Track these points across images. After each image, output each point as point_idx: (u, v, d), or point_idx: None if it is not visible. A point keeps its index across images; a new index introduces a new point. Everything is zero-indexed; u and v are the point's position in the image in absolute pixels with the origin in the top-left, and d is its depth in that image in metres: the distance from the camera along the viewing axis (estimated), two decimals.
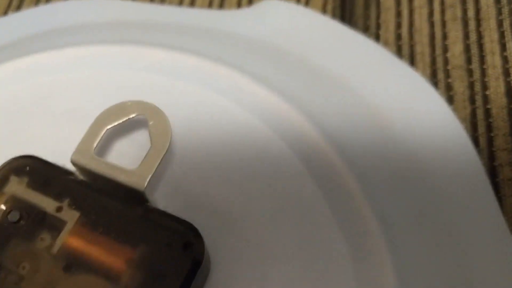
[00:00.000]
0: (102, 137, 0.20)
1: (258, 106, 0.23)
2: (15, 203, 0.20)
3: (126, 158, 0.20)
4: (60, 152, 0.21)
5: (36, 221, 0.20)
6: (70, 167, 0.21)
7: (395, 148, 0.22)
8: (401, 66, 0.24)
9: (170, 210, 0.20)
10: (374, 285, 0.20)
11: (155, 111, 0.20)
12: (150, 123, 0.20)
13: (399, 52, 0.26)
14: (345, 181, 0.21)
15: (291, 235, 0.21)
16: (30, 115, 0.23)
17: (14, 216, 0.20)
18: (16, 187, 0.20)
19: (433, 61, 0.26)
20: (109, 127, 0.20)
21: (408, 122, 0.23)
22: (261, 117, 0.23)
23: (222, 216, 0.22)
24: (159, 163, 0.20)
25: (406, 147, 0.22)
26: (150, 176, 0.19)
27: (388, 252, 0.20)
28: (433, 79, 0.25)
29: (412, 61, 0.26)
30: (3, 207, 0.20)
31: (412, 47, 0.26)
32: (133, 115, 0.20)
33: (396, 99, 0.23)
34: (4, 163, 0.21)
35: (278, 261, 0.21)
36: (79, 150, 0.20)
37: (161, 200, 0.21)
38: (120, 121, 0.20)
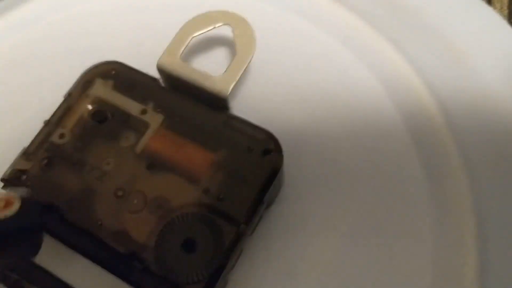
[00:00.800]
0: (188, 44, 0.20)
1: (336, 26, 0.22)
2: (101, 104, 0.20)
3: (211, 66, 0.20)
4: (144, 61, 0.21)
5: (121, 122, 0.20)
6: (154, 75, 0.21)
7: (479, 91, 0.22)
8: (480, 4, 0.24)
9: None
10: (450, 206, 0.20)
11: (241, 21, 0.20)
12: (236, 32, 0.20)
13: None
14: (426, 106, 0.21)
15: (370, 160, 0.21)
16: (114, 27, 0.24)
17: (99, 116, 0.20)
18: (102, 89, 0.21)
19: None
20: (195, 34, 0.20)
21: (490, 64, 0.22)
22: (344, 42, 0.22)
23: (299, 134, 0.22)
24: (243, 71, 0.20)
25: (489, 90, 0.22)
26: (234, 83, 0.20)
27: (469, 193, 0.20)
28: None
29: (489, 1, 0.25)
30: (89, 107, 0.20)
31: None
32: (219, 24, 0.20)
33: (479, 41, 0.23)
34: (90, 67, 0.21)
35: (352, 181, 0.21)
36: (165, 56, 0.20)
37: (241, 112, 0.21)
38: (206, 29, 0.20)
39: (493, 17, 0.23)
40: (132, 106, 0.20)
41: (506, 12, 0.26)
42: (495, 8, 0.25)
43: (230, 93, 0.20)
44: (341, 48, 0.23)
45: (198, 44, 0.22)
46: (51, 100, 0.21)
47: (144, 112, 0.20)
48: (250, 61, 0.20)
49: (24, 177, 0.19)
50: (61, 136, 0.20)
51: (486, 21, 0.23)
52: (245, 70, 0.20)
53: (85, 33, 0.24)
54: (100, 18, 0.25)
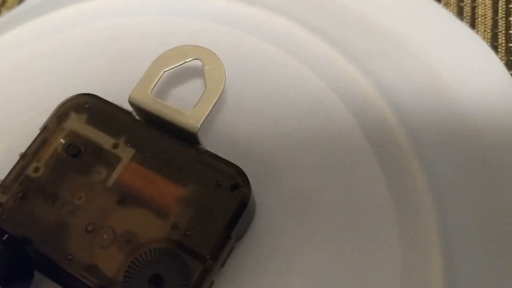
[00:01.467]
0: (159, 79, 0.21)
1: (312, 57, 0.23)
2: (74, 138, 0.21)
3: (181, 101, 0.21)
4: (118, 92, 0.21)
5: (93, 156, 0.20)
6: (128, 107, 0.21)
7: (449, 108, 0.22)
8: (462, 28, 0.24)
9: (220, 154, 0.20)
10: (419, 242, 0.20)
11: (211, 56, 0.21)
12: (206, 67, 0.20)
13: (460, 14, 0.26)
14: (396, 136, 0.21)
15: (338, 188, 0.21)
16: (90, 57, 0.24)
17: (72, 150, 0.21)
18: (76, 123, 0.21)
19: (495, 24, 0.25)
20: (166, 69, 0.21)
21: (464, 84, 0.22)
22: (314, 69, 0.23)
23: (269, 165, 0.22)
24: (213, 107, 0.20)
25: (461, 108, 0.22)
26: (203, 118, 0.20)
27: (434, 210, 0.20)
28: (494, 43, 0.25)
29: (473, 23, 0.25)
30: (62, 141, 0.21)
31: (474, 8, 0.26)
32: (190, 59, 0.21)
33: (454, 60, 0.23)
34: (65, 100, 0.22)
35: (323, 212, 0.21)
36: (137, 90, 0.21)
37: (211, 145, 0.21)
38: (177, 64, 0.21)
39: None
40: (104, 140, 0.21)
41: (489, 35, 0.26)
42: (478, 31, 0.25)
43: (200, 128, 0.20)
44: (314, 78, 0.23)
45: (170, 77, 0.23)
46: (29, 132, 0.21)
47: (116, 146, 0.20)
48: (219, 96, 0.20)
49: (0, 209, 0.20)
50: (36, 169, 0.20)
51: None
52: (216, 104, 0.20)
53: (63, 64, 0.25)
54: (78, 48, 0.25)
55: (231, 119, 0.22)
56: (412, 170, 0.21)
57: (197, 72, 0.23)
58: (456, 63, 0.23)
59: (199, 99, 0.20)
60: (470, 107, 0.22)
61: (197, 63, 0.21)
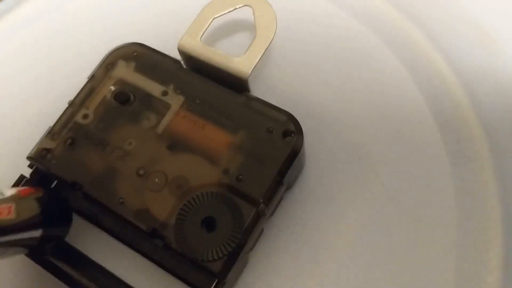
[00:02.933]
0: (209, 26, 0.20)
1: (362, 10, 0.22)
2: (123, 85, 0.21)
3: (231, 48, 0.20)
4: (167, 42, 0.21)
5: (142, 103, 0.20)
6: (176, 57, 0.21)
7: (503, 64, 0.21)
8: None
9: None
10: (475, 192, 0.19)
11: (261, 2, 0.20)
12: (256, 13, 0.20)
13: None
14: (450, 86, 0.21)
15: (390, 139, 0.21)
16: (138, 8, 0.24)
17: (122, 97, 0.20)
18: (124, 71, 0.21)
19: None
20: (216, 16, 0.20)
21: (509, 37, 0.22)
22: (364, 21, 0.22)
23: (319, 116, 0.22)
24: (263, 53, 0.20)
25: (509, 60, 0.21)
26: (254, 64, 0.20)
27: (490, 160, 0.20)
28: None
29: None
30: (111, 88, 0.21)
31: None
32: (240, 5, 0.20)
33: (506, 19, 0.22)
34: (113, 49, 0.22)
35: (374, 165, 0.21)
36: (186, 37, 0.20)
37: (261, 95, 0.21)
38: (227, 10, 0.20)
39: None
40: (153, 88, 0.20)
41: None
42: None
43: (250, 74, 0.20)
44: (365, 30, 0.22)
45: (219, 26, 0.22)
46: (76, 81, 0.21)
47: (165, 93, 0.20)
48: (271, 43, 0.20)
49: (49, 155, 0.20)
50: (85, 116, 0.20)
51: None
52: (266, 51, 0.20)
53: (108, 16, 0.25)
54: (124, 0, 0.25)
55: (280, 70, 0.22)
56: (467, 120, 0.20)
57: (248, 22, 0.22)
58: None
59: (249, 45, 0.20)
60: None
61: (248, 13, 0.20)
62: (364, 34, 0.22)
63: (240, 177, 0.18)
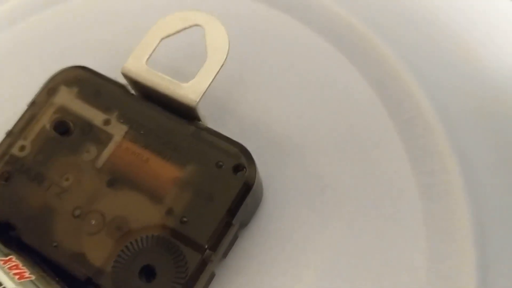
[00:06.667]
0: (156, 47, 0.19)
1: (326, 24, 0.20)
2: (64, 113, 0.19)
3: (180, 75, 0.19)
4: (113, 65, 0.19)
5: (83, 133, 0.19)
6: (122, 81, 0.19)
7: (480, 83, 0.19)
8: None
9: (223, 133, 0.18)
10: (448, 231, 0.18)
11: (213, 22, 0.18)
12: (207, 34, 0.18)
13: None
14: (422, 111, 0.19)
15: (355, 170, 0.19)
16: (84, 28, 0.22)
17: (61, 127, 0.19)
18: (66, 97, 0.19)
19: None
20: (164, 36, 0.19)
21: (494, 55, 0.20)
22: (329, 38, 0.20)
23: (278, 145, 0.20)
24: (214, 78, 0.18)
25: (494, 83, 0.19)
26: (203, 91, 0.18)
27: (465, 195, 0.18)
28: None
29: None
30: (51, 117, 0.19)
31: None
32: (190, 25, 0.19)
33: (482, 30, 0.20)
34: (55, 73, 0.20)
35: (338, 198, 0.19)
36: (131, 61, 0.19)
37: (213, 123, 0.19)
38: (176, 30, 0.19)
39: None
40: (95, 116, 0.19)
41: None
42: None
43: (199, 101, 0.18)
44: (330, 48, 0.20)
45: (168, 48, 0.20)
46: (19, 109, 0.20)
47: (107, 122, 0.18)
48: (222, 66, 0.18)
49: None
50: (22, 148, 0.19)
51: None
52: (217, 75, 0.18)
53: (54, 37, 0.23)
54: (70, 20, 0.23)
55: (236, 93, 0.20)
56: (441, 150, 0.18)
57: (199, 43, 0.20)
58: (484, 34, 0.20)
59: (200, 69, 0.18)
60: (503, 82, 0.20)
61: (199, 31, 0.18)
62: (331, 53, 0.20)
63: (184, 219, 0.17)
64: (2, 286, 0.15)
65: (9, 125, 0.19)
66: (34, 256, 0.17)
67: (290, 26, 0.20)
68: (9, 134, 0.19)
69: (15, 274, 0.16)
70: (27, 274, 0.16)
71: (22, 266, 0.16)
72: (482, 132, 0.19)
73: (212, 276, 0.17)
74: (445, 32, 0.20)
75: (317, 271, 0.18)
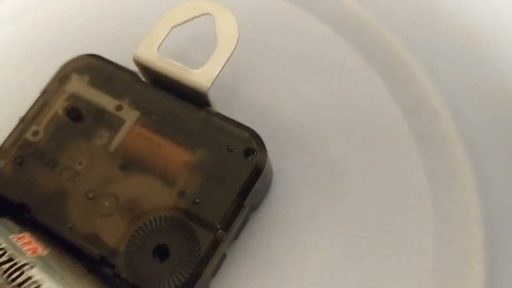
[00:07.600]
0: (167, 35, 0.19)
1: (334, 14, 0.21)
2: (76, 100, 0.19)
3: (191, 59, 0.19)
4: (124, 53, 0.20)
5: (95, 119, 0.19)
6: (133, 68, 0.20)
7: (487, 70, 0.20)
8: None
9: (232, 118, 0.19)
10: (456, 215, 0.18)
11: (222, 10, 0.19)
12: (217, 22, 0.19)
13: None
14: (429, 98, 0.19)
15: (363, 155, 0.19)
16: (95, 18, 0.23)
17: (74, 113, 0.19)
18: (77, 85, 0.20)
19: None
20: (174, 25, 0.19)
21: (502, 42, 0.20)
22: (337, 27, 0.21)
23: (288, 131, 0.20)
24: (224, 65, 0.18)
25: (498, 67, 0.20)
26: (214, 77, 0.18)
27: (472, 179, 0.18)
28: None
29: None
30: (63, 104, 0.19)
31: None
32: (200, 14, 0.19)
33: (490, 16, 0.21)
34: (66, 62, 0.20)
35: (346, 182, 0.19)
36: (142, 48, 0.19)
37: (224, 109, 0.19)
38: (186, 19, 0.19)
39: None
40: (107, 102, 0.19)
41: None
42: None
43: (210, 87, 0.18)
44: (337, 37, 0.21)
45: (179, 36, 0.21)
46: (30, 96, 0.20)
47: (119, 108, 0.19)
48: (232, 53, 0.18)
49: None
50: (35, 133, 0.19)
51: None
52: (227, 62, 0.18)
53: (66, 27, 0.23)
54: (83, 9, 0.23)
55: (245, 81, 0.21)
56: (448, 135, 0.19)
57: (207, 32, 0.21)
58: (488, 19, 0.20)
59: (210, 57, 0.18)
60: (510, 69, 0.20)
61: (207, 21, 0.19)
62: (338, 42, 0.21)
63: (197, 200, 0.17)
64: (14, 261, 0.15)
65: (21, 113, 0.20)
66: (48, 237, 0.17)
67: (298, 15, 0.21)
68: (22, 120, 0.19)
69: (28, 249, 0.16)
70: (40, 250, 0.16)
71: (35, 242, 0.16)
72: (489, 117, 0.19)
73: (223, 257, 0.18)
74: (452, 19, 0.20)
75: (324, 253, 0.18)
